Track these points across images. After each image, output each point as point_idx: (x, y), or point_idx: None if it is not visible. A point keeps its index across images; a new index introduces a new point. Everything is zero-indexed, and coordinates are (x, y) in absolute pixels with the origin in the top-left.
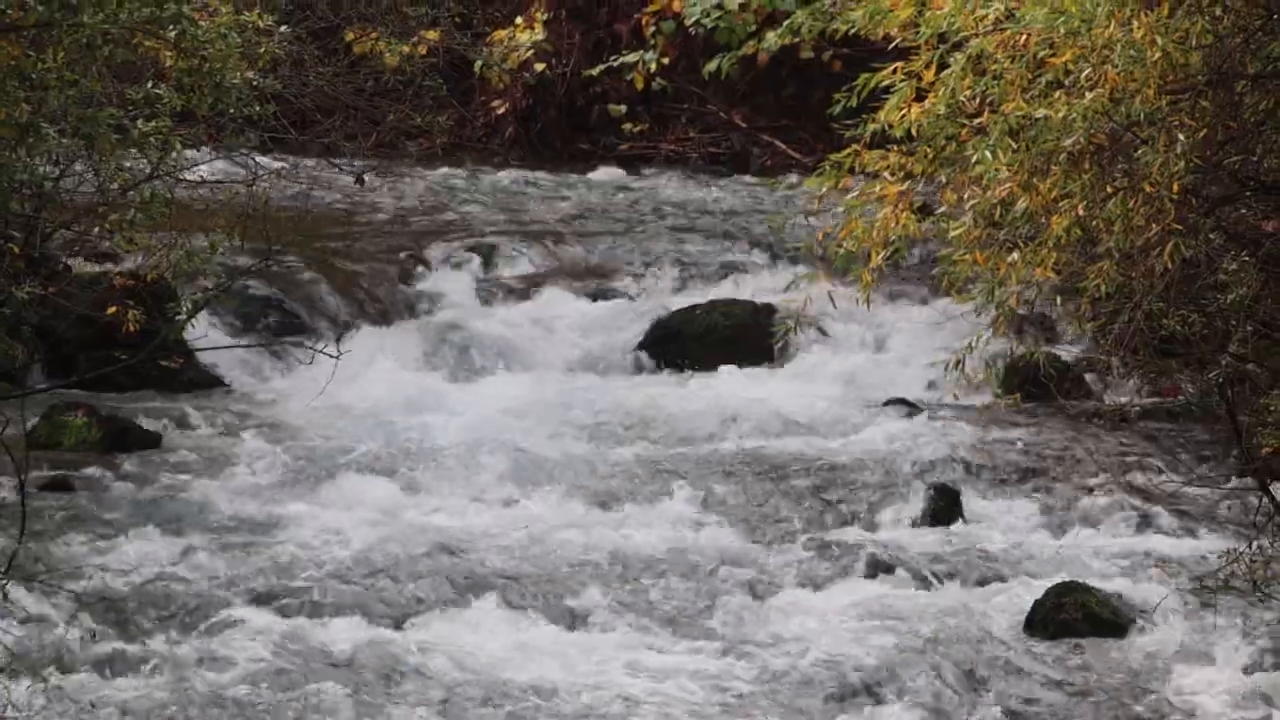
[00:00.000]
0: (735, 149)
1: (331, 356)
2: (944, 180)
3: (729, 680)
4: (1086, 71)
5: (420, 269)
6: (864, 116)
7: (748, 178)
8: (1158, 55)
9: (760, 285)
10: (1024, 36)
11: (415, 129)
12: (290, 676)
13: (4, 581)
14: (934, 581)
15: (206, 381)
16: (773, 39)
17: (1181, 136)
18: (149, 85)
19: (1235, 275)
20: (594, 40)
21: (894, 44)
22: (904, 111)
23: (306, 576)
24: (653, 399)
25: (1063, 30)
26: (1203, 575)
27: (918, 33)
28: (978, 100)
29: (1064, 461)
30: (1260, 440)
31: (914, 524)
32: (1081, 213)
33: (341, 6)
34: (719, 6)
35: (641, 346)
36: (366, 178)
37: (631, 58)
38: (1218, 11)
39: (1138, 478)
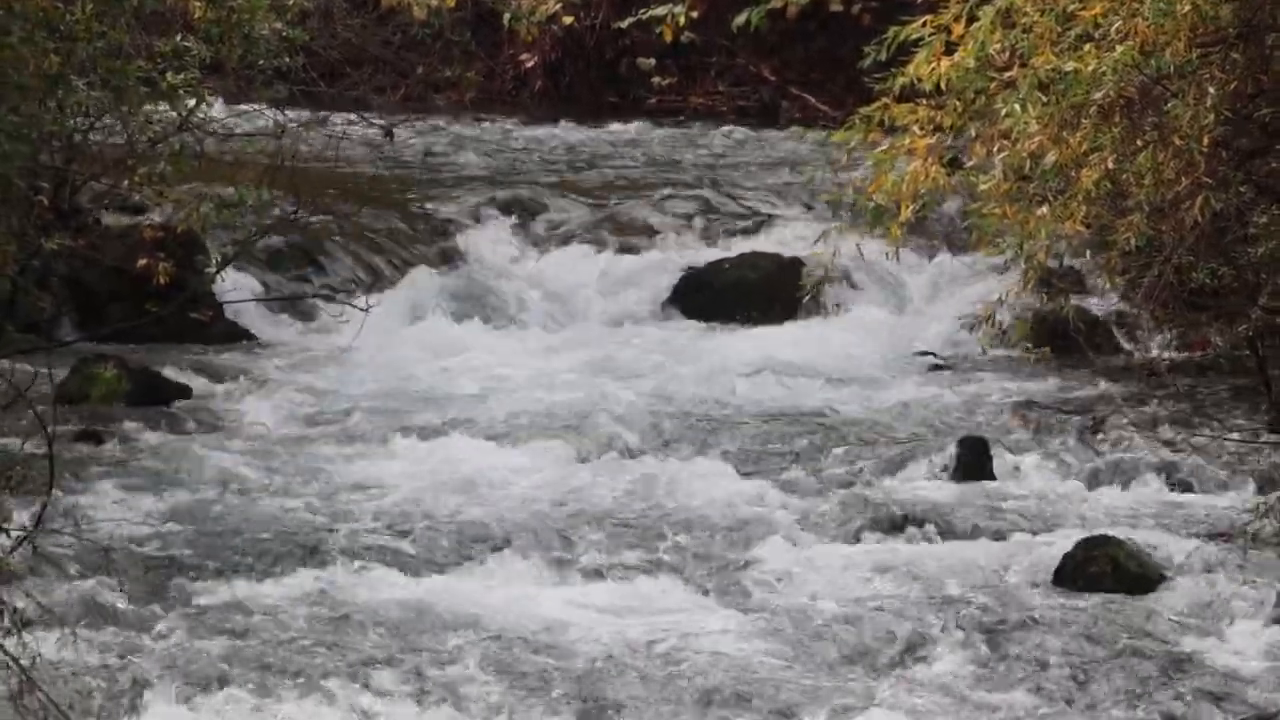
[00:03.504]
0: (764, 102)
1: (361, 309)
2: (973, 134)
3: (756, 631)
4: (1116, 24)
5: (451, 222)
6: (893, 70)
7: (777, 131)
8: (1188, 8)
9: (789, 239)
10: None
11: (444, 82)
12: (324, 629)
13: (33, 534)
14: (963, 534)
15: (236, 334)
16: None
17: (1212, 89)
18: (177, 37)
19: (1265, 228)
20: None
21: None
22: (933, 65)
23: (339, 528)
24: (681, 352)
25: None
26: (1232, 528)
27: None
28: (1007, 54)
29: (1093, 415)
30: None
31: (943, 477)
32: (1111, 166)
33: None
34: None
35: (671, 300)
36: (395, 130)
37: (660, 10)
38: None
39: (1167, 431)
